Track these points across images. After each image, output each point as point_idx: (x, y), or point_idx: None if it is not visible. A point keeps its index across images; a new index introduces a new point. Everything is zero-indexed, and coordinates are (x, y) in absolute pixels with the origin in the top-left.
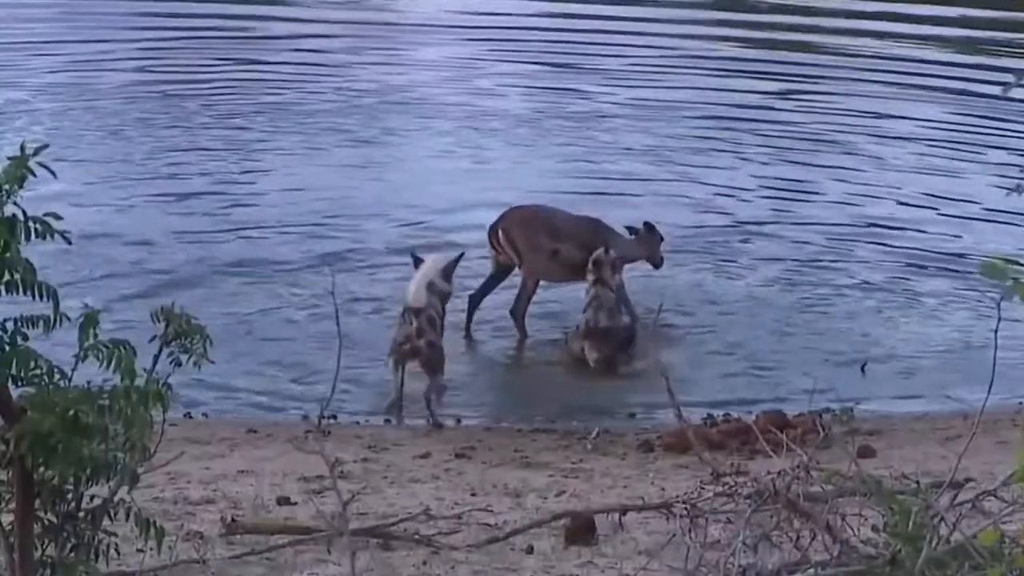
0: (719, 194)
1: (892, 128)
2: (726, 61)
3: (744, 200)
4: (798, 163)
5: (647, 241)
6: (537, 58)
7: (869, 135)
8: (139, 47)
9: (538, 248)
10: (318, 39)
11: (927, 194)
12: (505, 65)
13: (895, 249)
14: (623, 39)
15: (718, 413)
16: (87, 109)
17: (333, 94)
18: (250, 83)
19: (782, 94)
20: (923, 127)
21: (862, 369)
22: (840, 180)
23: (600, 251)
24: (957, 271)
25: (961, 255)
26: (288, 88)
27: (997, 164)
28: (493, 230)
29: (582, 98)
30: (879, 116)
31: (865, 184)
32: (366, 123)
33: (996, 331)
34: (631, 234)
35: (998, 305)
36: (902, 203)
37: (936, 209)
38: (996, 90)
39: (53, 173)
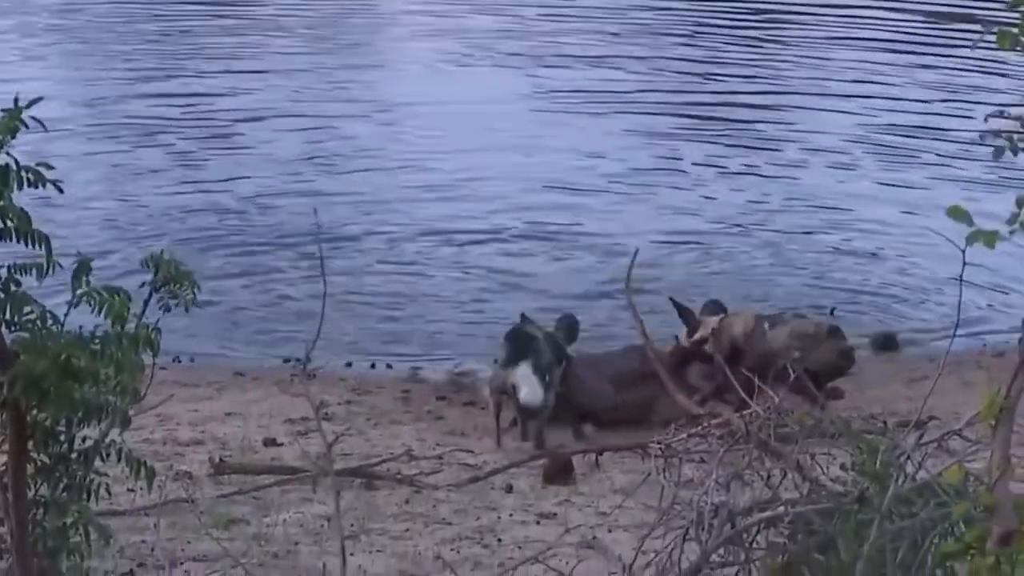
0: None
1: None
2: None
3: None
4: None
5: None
6: None
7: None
8: None
9: None
10: None
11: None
12: None
13: (864, 194)
14: None
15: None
16: (79, 32)
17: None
18: None
19: None
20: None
21: (831, 312)
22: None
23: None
24: (920, 215)
25: (928, 197)
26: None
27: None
28: None
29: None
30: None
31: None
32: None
33: (961, 277)
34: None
35: (963, 251)
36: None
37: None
38: None
39: (44, 126)
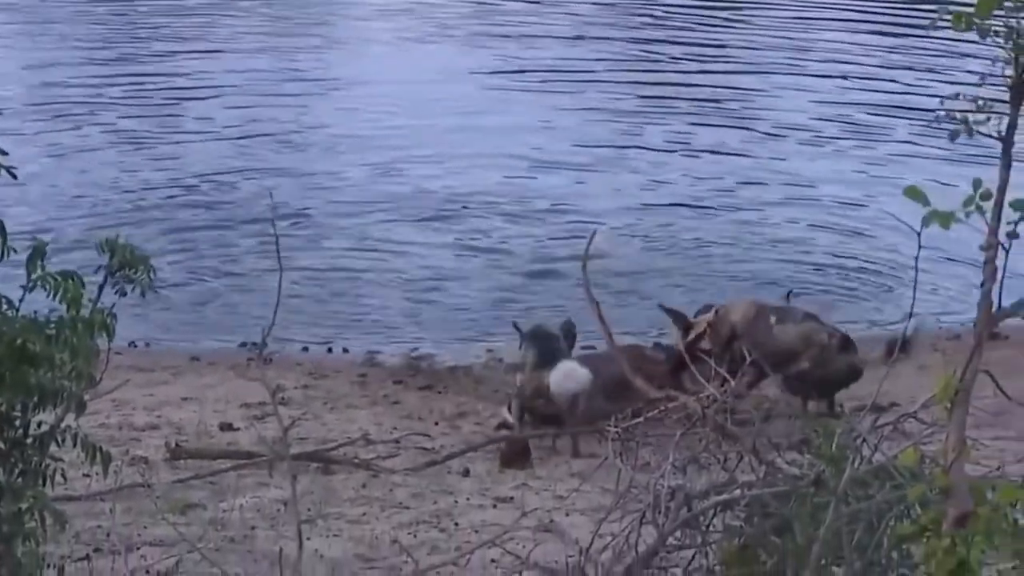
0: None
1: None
2: None
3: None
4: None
5: None
6: None
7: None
8: None
9: None
10: None
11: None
12: None
13: (834, 171)
14: None
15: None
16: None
17: None
18: None
19: None
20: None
21: (788, 297)
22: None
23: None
24: (890, 193)
25: (899, 175)
26: None
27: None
28: None
29: None
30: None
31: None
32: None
33: (917, 258)
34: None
35: (919, 233)
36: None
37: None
38: None
39: None
